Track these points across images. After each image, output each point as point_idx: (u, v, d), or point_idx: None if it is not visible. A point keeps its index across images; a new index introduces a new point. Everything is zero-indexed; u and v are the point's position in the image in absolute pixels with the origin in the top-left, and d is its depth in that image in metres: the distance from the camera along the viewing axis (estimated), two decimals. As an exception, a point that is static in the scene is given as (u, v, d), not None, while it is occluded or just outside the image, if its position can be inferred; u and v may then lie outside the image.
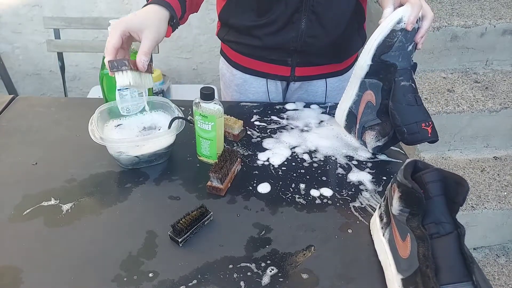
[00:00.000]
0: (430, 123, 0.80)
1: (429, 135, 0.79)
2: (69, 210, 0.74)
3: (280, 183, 0.83)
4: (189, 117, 0.98)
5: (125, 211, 0.75)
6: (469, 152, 1.77)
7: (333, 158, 0.91)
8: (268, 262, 0.66)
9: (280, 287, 0.62)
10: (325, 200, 0.79)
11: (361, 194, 0.81)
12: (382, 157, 0.92)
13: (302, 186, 0.83)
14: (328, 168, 0.88)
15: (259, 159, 0.89)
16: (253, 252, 0.68)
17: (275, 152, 0.91)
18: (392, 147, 0.94)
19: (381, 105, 0.85)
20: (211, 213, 0.73)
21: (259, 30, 1.01)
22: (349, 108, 0.93)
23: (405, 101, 0.81)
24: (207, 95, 0.79)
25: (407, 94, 0.81)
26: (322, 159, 0.90)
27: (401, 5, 0.82)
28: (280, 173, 0.86)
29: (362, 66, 0.86)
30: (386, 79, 0.83)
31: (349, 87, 0.93)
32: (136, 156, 0.83)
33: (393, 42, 0.81)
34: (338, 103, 0.99)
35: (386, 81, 0.83)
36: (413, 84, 0.82)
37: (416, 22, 0.81)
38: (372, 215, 0.75)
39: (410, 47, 0.83)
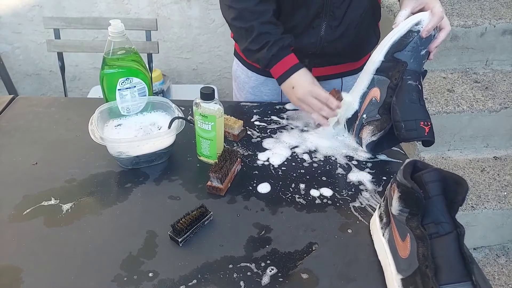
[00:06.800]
0: (429, 123, 0.81)
1: (426, 134, 0.80)
2: (69, 210, 0.75)
3: (280, 183, 0.83)
4: (189, 117, 0.98)
5: (125, 211, 0.75)
6: (469, 152, 1.77)
7: (333, 158, 0.91)
8: (268, 262, 0.66)
9: (280, 287, 0.62)
10: (325, 200, 0.79)
11: (361, 194, 0.81)
12: (382, 157, 0.92)
13: (302, 186, 0.83)
14: (328, 168, 0.88)
15: (259, 159, 0.89)
16: (253, 252, 0.68)
17: (275, 152, 0.91)
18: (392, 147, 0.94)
19: (384, 102, 0.86)
20: (211, 213, 0.73)
21: None
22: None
23: (409, 98, 0.82)
24: (207, 95, 0.79)
25: (412, 92, 0.82)
26: (322, 159, 0.90)
27: (421, 10, 0.85)
28: (280, 173, 0.86)
29: (374, 61, 0.87)
30: (394, 76, 0.84)
31: (358, 83, 0.93)
32: (136, 156, 0.83)
33: (408, 42, 0.83)
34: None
35: (393, 79, 0.84)
36: (419, 86, 0.84)
37: (433, 30, 0.83)
38: (372, 215, 0.75)
39: (423, 52, 0.85)
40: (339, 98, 0.92)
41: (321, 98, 0.91)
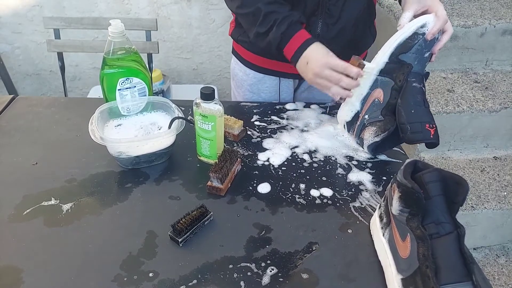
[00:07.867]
0: (434, 125, 0.81)
1: (431, 136, 0.80)
2: (69, 210, 0.74)
3: (280, 183, 0.83)
4: (189, 117, 0.98)
5: (125, 211, 0.75)
6: (469, 152, 1.77)
7: (333, 158, 0.91)
8: (268, 262, 0.66)
9: (280, 287, 0.62)
10: (325, 200, 0.79)
11: (361, 194, 0.81)
12: (382, 157, 0.92)
13: (302, 186, 0.83)
14: (328, 168, 0.88)
15: (259, 159, 0.89)
16: (253, 252, 0.68)
17: (275, 152, 0.91)
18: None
19: (388, 103, 0.86)
20: (211, 213, 0.73)
21: None
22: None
23: (414, 101, 0.82)
24: (207, 95, 0.79)
25: (416, 95, 0.82)
26: (322, 159, 0.90)
27: (424, 13, 0.85)
28: (280, 173, 0.86)
29: (378, 62, 0.87)
30: (398, 78, 0.84)
31: (361, 83, 0.92)
32: (136, 156, 0.83)
33: (413, 44, 0.83)
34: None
35: (398, 80, 0.84)
36: (423, 88, 0.84)
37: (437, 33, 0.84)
38: (372, 215, 0.75)
39: (426, 54, 0.85)
40: (360, 65, 0.86)
41: (339, 68, 0.85)
